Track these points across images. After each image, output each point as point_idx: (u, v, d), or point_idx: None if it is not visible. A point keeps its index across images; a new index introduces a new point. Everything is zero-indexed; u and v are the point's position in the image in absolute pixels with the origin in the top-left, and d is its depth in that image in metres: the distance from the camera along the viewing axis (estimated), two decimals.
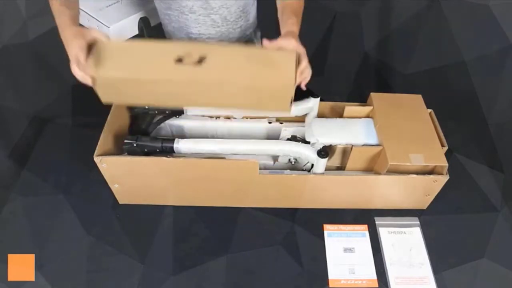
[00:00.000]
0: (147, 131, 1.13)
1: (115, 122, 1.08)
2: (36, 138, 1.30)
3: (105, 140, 1.01)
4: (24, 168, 1.22)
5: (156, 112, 1.13)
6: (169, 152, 1.04)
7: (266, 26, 1.30)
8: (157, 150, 1.02)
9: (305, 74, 0.83)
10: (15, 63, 1.35)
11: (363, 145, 1.05)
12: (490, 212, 1.15)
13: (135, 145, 1.02)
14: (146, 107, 1.11)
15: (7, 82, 1.31)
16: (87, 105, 1.41)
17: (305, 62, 0.83)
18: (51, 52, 1.59)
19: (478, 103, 1.34)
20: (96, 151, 0.98)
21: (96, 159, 0.97)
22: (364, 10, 1.68)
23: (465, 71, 1.38)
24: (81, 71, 0.81)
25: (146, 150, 1.03)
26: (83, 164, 1.20)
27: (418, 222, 1.12)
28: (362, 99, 1.17)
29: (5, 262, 1.00)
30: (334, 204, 1.13)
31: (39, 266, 1.00)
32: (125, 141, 1.02)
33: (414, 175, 1.02)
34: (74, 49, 0.80)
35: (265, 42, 0.84)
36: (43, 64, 1.42)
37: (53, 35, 1.48)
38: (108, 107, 1.08)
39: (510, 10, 1.23)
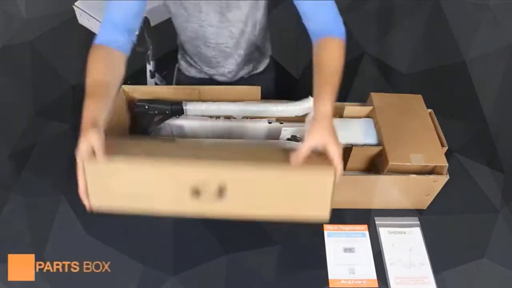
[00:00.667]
0: (147, 131, 1.13)
1: (115, 122, 1.08)
2: (36, 138, 1.30)
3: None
4: (24, 168, 1.22)
5: (156, 112, 1.13)
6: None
7: (274, 33, 1.30)
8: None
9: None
10: (15, 63, 1.35)
11: (363, 145, 1.05)
12: (490, 212, 1.15)
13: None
14: (146, 106, 1.12)
15: (7, 82, 1.31)
16: None
17: (340, 169, 0.71)
18: (51, 52, 1.59)
19: (478, 103, 1.34)
20: None
21: None
22: (364, 10, 1.68)
23: (465, 71, 1.38)
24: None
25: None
26: None
27: (418, 222, 1.12)
28: (362, 99, 1.17)
29: (5, 262, 1.00)
30: (334, 204, 1.12)
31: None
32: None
33: (414, 175, 1.02)
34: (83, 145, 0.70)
35: (293, 158, 0.71)
36: (43, 64, 1.42)
37: (53, 35, 1.48)
38: None
39: (510, 10, 1.23)
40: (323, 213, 0.70)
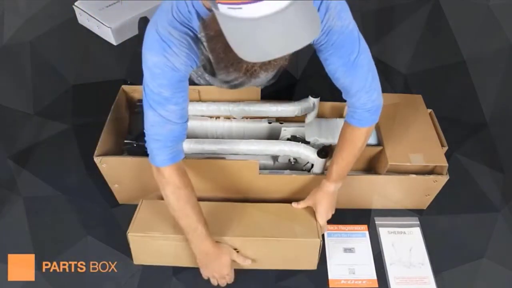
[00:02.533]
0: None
1: (115, 122, 1.08)
2: (36, 138, 1.30)
3: (105, 140, 1.01)
4: (24, 168, 1.22)
5: None
6: None
7: None
8: None
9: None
10: (15, 63, 1.35)
11: None
12: (490, 212, 1.15)
13: (135, 145, 1.02)
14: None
15: (7, 82, 1.31)
16: (87, 105, 1.42)
17: (323, 228, 0.98)
18: (51, 52, 1.59)
19: (478, 103, 1.33)
20: (96, 151, 0.98)
21: (96, 159, 0.97)
22: (364, 10, 1.68)
23: (465, 71, 1.38)
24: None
25: (146, 150, 1.03)
26: (83, 164, 1.20)
27: (418, 222, 1.11)
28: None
29: (5, 262, 1.00)
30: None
31: (39, 266, 1.00)
32: (125, 141, 1.02)
33: (414, 175, 1.02)
34: (226, 269, 0.93)
35: (294, 204, 1.00)
36: (43, 64, 1.42)
37: (53, 35, 1.48)
38: (108, 107, 1.09)
39: (510, 10, 1.23)
40: (312, 267, 1.00)
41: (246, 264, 0.94)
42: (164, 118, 0.77)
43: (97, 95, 1.39)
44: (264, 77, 1.01)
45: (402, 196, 1.10)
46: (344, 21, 0.74)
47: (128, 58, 1.54)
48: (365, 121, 0.86)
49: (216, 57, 0.70)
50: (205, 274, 0.94)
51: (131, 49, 1.57)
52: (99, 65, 1.58)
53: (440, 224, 1.11)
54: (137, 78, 1.45)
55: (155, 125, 0.79)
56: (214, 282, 0.95)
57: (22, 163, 1.22)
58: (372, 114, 0.85)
